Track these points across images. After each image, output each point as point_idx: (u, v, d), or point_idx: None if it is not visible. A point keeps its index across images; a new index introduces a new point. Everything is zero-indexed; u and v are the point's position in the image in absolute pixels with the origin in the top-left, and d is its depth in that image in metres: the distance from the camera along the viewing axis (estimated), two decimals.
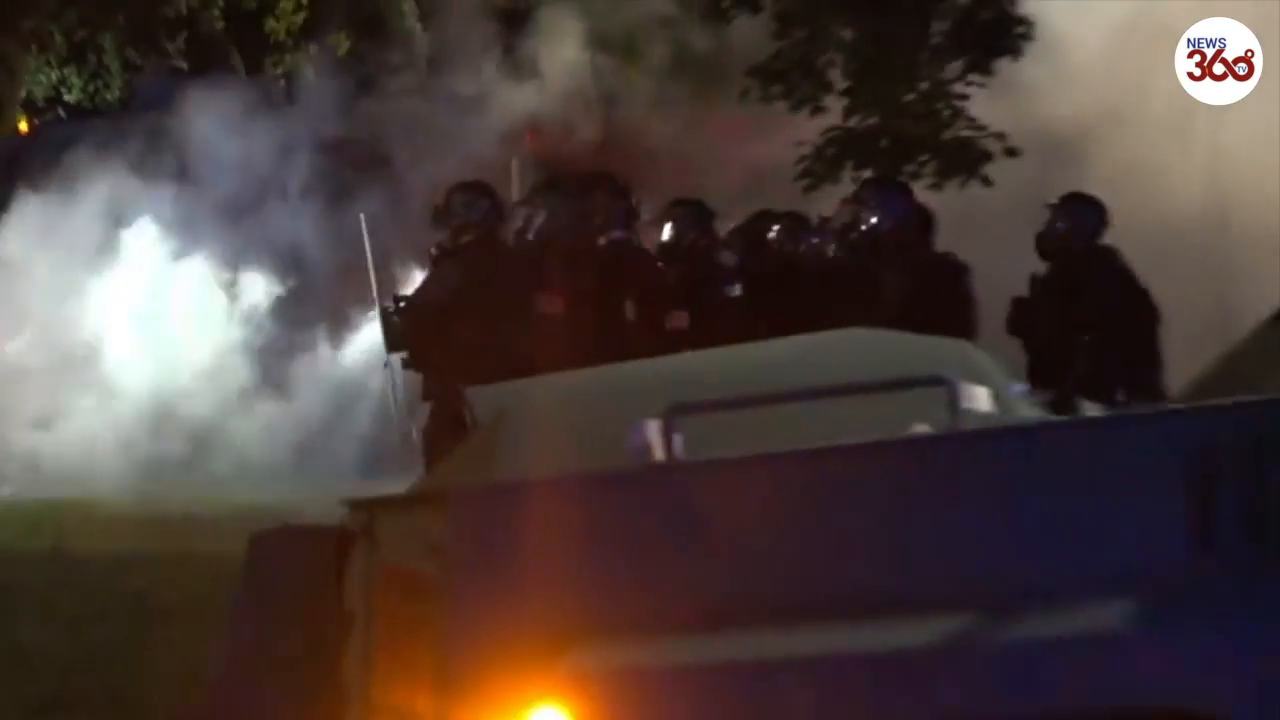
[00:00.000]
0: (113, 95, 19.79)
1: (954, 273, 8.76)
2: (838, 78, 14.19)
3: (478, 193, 8.82)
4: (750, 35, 14.64)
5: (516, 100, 14.07)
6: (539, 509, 3.18)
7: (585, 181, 9.63)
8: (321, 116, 14.25)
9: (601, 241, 8.95)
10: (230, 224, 13.82)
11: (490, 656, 3.02)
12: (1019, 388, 4.45)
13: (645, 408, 3.39)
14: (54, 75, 20.72)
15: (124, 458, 12.38)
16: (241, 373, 13.25)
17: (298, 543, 4.07)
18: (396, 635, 3.39)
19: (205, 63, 18.70)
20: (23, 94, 19.31)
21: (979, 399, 3.61)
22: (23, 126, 18.85)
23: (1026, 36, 14.13)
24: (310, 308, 13.73)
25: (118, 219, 13.81)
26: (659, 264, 9.24)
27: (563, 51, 14.44)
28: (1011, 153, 13.53)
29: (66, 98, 20.88)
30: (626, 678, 2.99)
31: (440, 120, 13.95)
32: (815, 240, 9.60)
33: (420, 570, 3.25)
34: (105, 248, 13.62)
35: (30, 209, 13.61)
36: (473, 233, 8.54)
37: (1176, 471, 2.97)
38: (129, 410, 12.79)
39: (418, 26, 17.15)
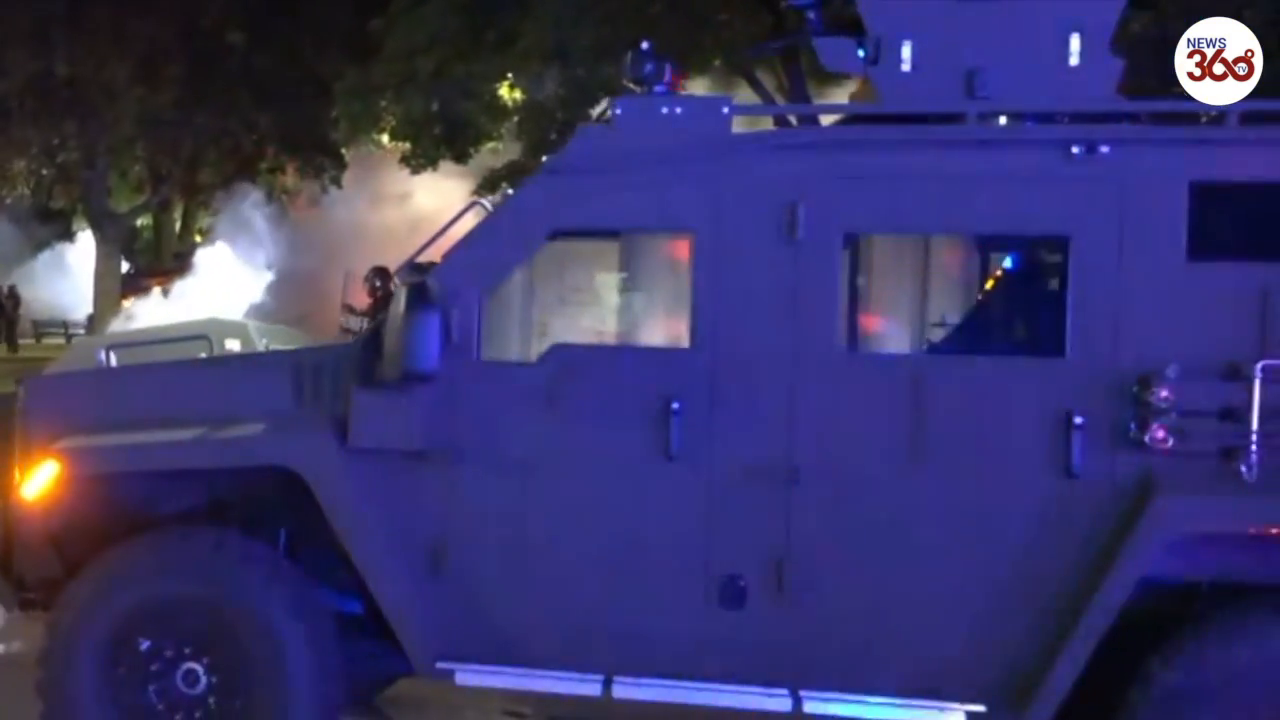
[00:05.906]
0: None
1: None
2: None
3: (375, 271, 16.08)
4: None
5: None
6: (55, 386, 6.99)
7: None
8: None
9: None
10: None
11: (37, 448, 6.43)
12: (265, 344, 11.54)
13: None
14: (206, 221, 38.24)
15: None
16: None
17: (9, 401, 7.03)
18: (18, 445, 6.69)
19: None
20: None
21: (232, 346, 11.87)
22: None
23: None
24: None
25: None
26: None
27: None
28: None
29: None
30: (81, 446, 6.32)
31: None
32: None
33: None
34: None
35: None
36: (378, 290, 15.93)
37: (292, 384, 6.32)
38: None
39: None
